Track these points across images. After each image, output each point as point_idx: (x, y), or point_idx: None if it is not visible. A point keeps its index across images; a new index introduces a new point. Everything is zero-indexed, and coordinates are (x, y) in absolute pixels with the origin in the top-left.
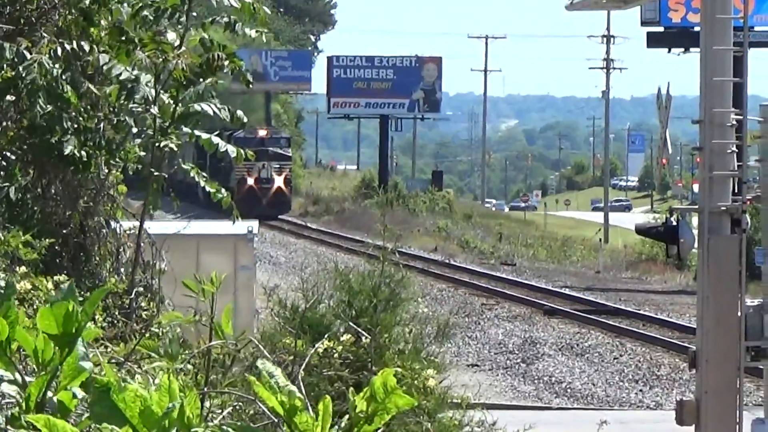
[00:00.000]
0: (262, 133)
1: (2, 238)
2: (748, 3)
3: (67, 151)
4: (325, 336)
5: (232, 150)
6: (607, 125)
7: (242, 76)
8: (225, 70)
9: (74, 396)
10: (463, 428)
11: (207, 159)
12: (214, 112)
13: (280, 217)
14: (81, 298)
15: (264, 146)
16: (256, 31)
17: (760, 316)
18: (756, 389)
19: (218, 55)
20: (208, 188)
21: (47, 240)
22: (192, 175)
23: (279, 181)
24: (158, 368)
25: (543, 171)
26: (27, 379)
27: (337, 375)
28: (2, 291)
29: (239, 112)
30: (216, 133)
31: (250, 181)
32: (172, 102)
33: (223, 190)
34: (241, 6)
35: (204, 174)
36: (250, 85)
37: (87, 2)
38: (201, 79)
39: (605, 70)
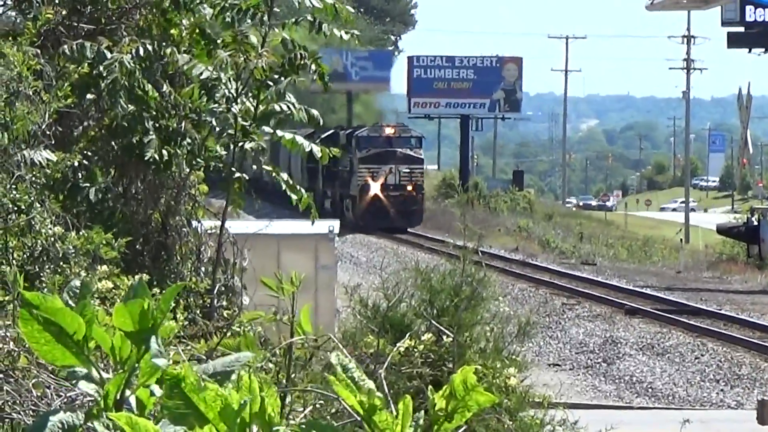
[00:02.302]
0: (388, 131)
1: (85, 236)
2: None
3: (148, 155)
4: (407, 335)
5: (317, 150)
6: (687, 125)
7: (321, 79)
8: (308, 70)
9: (152, 393)
10: (544, 427)
11: (319, 163)
12: (290, 111)
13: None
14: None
15: (391, 146)
16: (346, 32)
17: None
18: None
19: (302, 54)
20: (286, 189)
21: (126, 238)
22: (272, 175)
23: (409, 188)
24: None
25: (623, 171)
26: (105, 376)
27: (416, 372)
28: (78, 290)
29: (315, 113)
30: (330, 132)
31: (375, 187)
32: (253, 101)
33: (302, 191)
34: (324, 6)
35: (284, 175)
36: (327, 86)
37: (167, 2)
38: (282, 78)
39: (685, 71)
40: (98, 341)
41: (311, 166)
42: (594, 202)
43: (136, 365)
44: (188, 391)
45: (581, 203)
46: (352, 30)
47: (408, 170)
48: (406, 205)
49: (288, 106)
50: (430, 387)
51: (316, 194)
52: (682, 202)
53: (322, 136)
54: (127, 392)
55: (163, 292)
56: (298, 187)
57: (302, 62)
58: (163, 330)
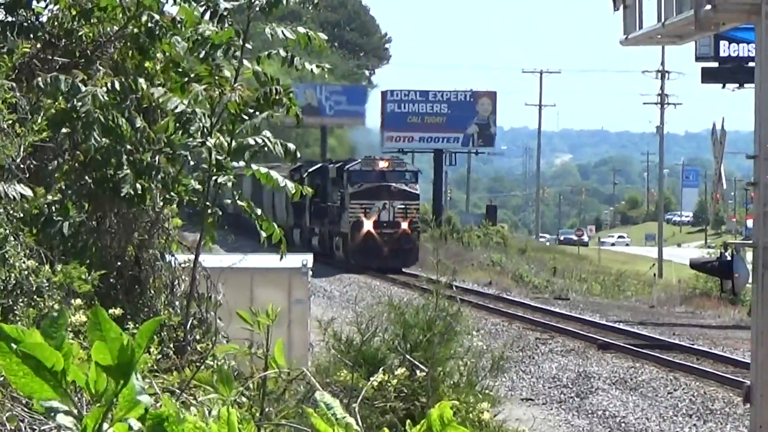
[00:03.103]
0: (382, 164)
1: (61, 272)
2: None
3: (124, 191)
4: (380, 369)
5: (291, 187)
6: (661, 160)
7: (292, 112)
8: (282, 105)
9: (130, 427)
10: None
11: (306, 198)
12: (267, 146)
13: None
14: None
15: (385, 181)
16: (317, 66)
17: None
18: None
19: (276, 89)
20: (257, 224)
21: (99, 272)
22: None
23: (404, 225)
24: (213, 400)
25: (597, 206)
26: (83, 411)
27: (389, 407)
28: (54, 321)
29: (291, 146)
30: (318, 166)
31: (368, 224)
32: (227, 136)
33: (274, 226)
34: (297, 36)
35: (258, 210)
36: (300, 120)
37: (142, 36)
38: (257, 113)
39: (659, 105)
40: (73, 376)
41: (297, 201)
42: (575, 237)
43: (114, 399)
44: (169, 429)
45: (562, 237)
46: (323, 64)
47: (403, 206)
48: (401, 244)
49: (263, 140)
50: (407, 421)
51: (302, 231)
52: (619, 237)
53: (310, 170)
54: (105, 426)
55: (139, 327)
56: (271, 221)
57: (277, 97)
58: (141, 364)
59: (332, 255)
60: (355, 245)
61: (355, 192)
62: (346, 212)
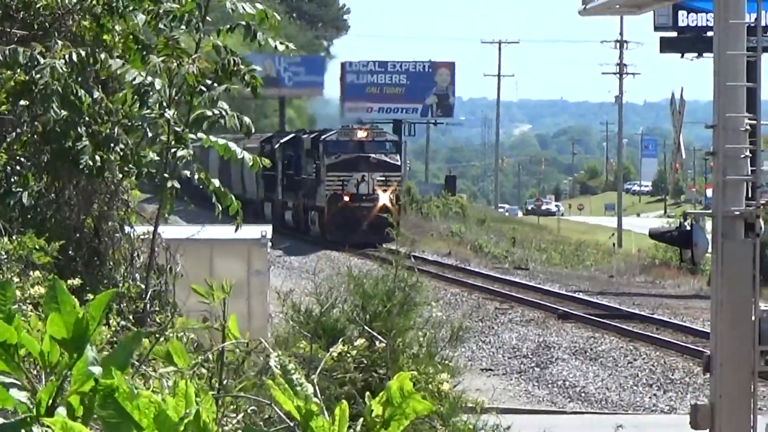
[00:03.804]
0: (360, 134)
1: (17, 242)
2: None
3: (83, 163)
4: (340, 340)
5: (248, 158)
6: (620, 130)
7: (253, 86)
8: (240, 78)
9: (82, 400)
10: None
11: (278, 171)
12: (224, 117)
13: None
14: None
15: (363, 151)
16: (281, 43)
17: None
18: None
19: (235, 60)
20: (214, 196)
21: (58, 243)
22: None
23: (384, 198)
24: (172, 372)
25: (556, 175)
26: (36, 385)
27: (348, 377)
28: (3, 294)
29: (247, 120)
30: (291, 136)
31: (346, 197)
32: (186, 107)
33: (232, 198)
34: (256, 13)
35: (215, 181)
36: (258, 94)
37: (100, 9)
38: (216, 85)
39: (618, 75)
40: (27, 347)
41: (268, 173)
42: (545, 207)
43: (68, 372)
44: (121, 400)
45: (530, 207)
46: (287, 42)
47: (383, 178)
48: (380, 218)
49: (221, 112)
50: (367, 393)
51: (274, 205)
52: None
53: (282, 140)
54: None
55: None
56: (228, 193)
57: (235, 68)
58: (95, 336)
59: (307, 230)
60: (332, 220)
61: (331, 163)
62: (323, 185)
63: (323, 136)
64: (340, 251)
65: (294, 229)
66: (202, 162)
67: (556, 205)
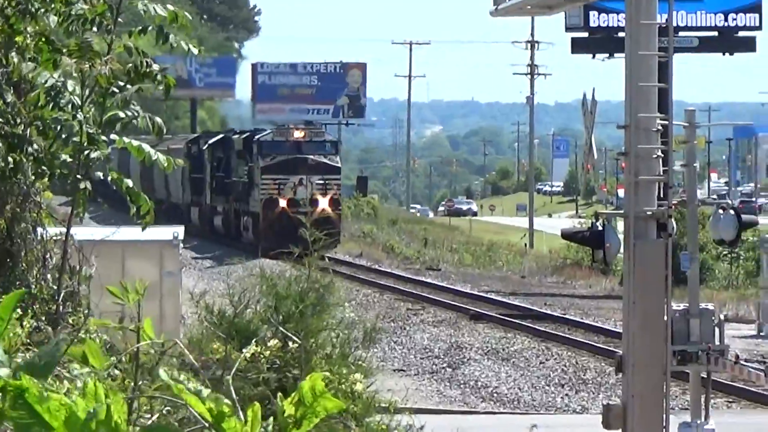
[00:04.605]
0: (297, 134)
1: None
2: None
3: None
4: (253, 341)
5: (162, 159)
6: (531, 130)
7: (165, 86)
8: (153, 79)
9: None
10: None
11: (206, 173)
12: (135, 119)
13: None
14: None
15: (301, 153)
16: (194, 46)
17: (686, 321)
18: (682, 393)
19: (147, 62)
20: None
21: None
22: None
23: (323, 203)
24: (86, 373)
25: (467, 176)
26: None
27: (262, 378)
28: None
29: (159, 121)
30: (220, 137)
31: (282, 202)
32: (98, 109)
33: (146, 198)
34: (168, 14)
35: (128, 181)
36: (168, 95)
37: (11, 10)
38: (128, 86)
39: (529, 76)
40: None
41: (196, 176)
42: (465, 207)
43: None
44: (32, 402)
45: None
46: (198, 46)
47: (322, 181)
48: (321, 224)
49: (133, 113)
50: (279, 394)
51: (202, 210)
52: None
53: (210, 141)
54: None
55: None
56: (141, 194)
57: (147, 70)
58: (9, 338)
59: (238, 237)
60: (267, 226)
61: (266, 165)
62: (257, 189)
63: (257, 136)
64: (276, 259)
65: (224, 236)
66: (123, 166)
67: (468, 202)
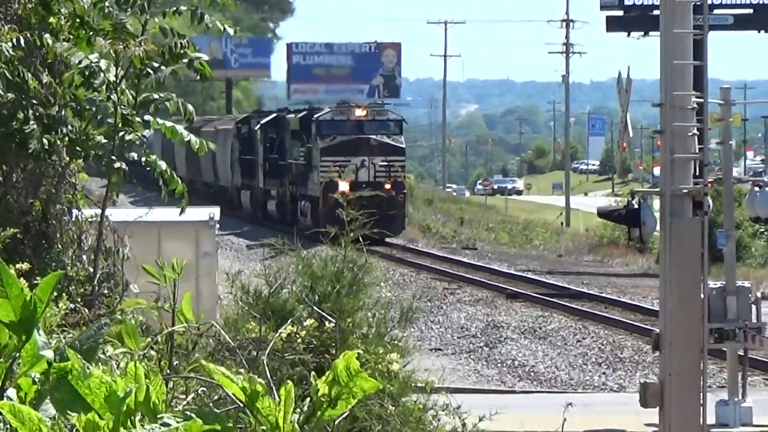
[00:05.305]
0: (359, 112)
1: None
2: None
3: (31, 147)
4: (289, 321)
5: (194, 140)
6: (567, 109)
7: (201, 70)
8: (186, 58)
9: (34, 382)
10: (427, 412)
11: (258, 155)
12: (167, 100)
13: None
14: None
15: (363, 133)
16: (229, 26)
17: (723, 299)
18: (719, 371)
19: (180, 43)
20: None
21: (7, 229)
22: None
23: (387, 186)
24: (122, 354)
25: (503, 155)
26: None
27: (299, 359)
28: None
29: (190, 108)
30: (273, 116)
31: (343, 186)
32: (133, 90)
33: (179, 181)
34: None
35: (161, 164)
36: (207, 77)
37: None
38: (163, 67)
39: (565, 55)
40: None
41: (247, 158)
42: (509, 185)
43: (17, 355)
44: (74, 381)
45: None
46: (233, 26)
47: (385, 163)
48: (384, 208)
49: (167, 95)
50: (313, 373)
51: (253, 194)
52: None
53: (263, 121)
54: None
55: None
56: (174, 176)
57: (182, 51)
58: (45, 319)
59: (295, 222)
60: (328, 211)
61: (326, 147)
62: (316, 171)
63: (316, 115)
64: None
65: (279, 221)
66: (167, 149)
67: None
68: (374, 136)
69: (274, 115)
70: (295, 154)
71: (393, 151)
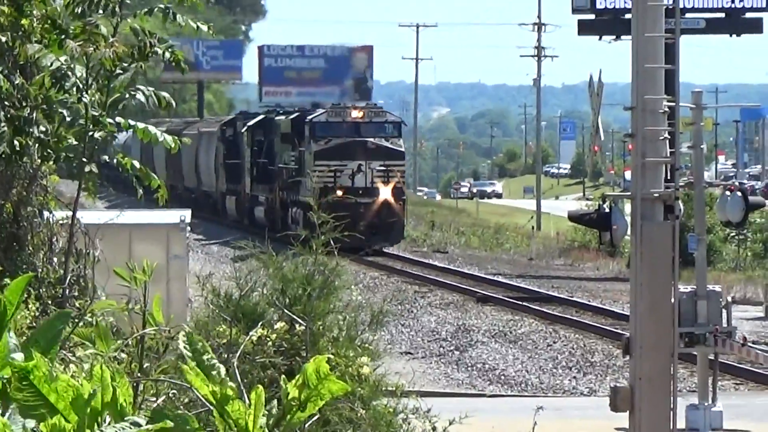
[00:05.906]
0: (355, 114)
1: None
2: None
3: (2, 149)
4: (259, 324)
5: (169, 140)
6: (538, 113)
7: (177, 65)
8: (158, 56)
9: (3, 384)
10: (397, 415)
11: (245, 159)
12: (143, 96)
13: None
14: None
15: (359, 135)
16: (202, 23)
17: (694, 303)
18: (690, 375)
19: (150, 42)
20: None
21: None
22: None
23: (386, 192)
24: (92, 356)
25: (474, 159)
26: None
27: (270, 362)
28: None
29: (165, 95)
30: (260, 117)
31: (338, 192)
32: (103, 91)
33: (155, 177)
34: None
35: (135, 162)
36: (185, 70)
37: None
38: (132, 66)
39: (536, 58)
40: None
41: (232, 162)
42: (489, 189)
43: None
44: (38, 383)
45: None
46: (207, 23)
47: (383, 168)
48: (382, 216)
49: (136, 91)
50: (283, 376)
51: (239, 200)
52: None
53: (250, 123)
54: None
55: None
56: (150, 173)
57: (151, 49)
58: (15, 321)
59: (285, 230)
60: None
61: (320, 150)
62: (309, 176)
63: (309, 117)
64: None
65: (268, 228)
66: (147, 156)
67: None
68: (371, 139)
69: (261, 116)
70: (286, 158)
71: (391, 155)
